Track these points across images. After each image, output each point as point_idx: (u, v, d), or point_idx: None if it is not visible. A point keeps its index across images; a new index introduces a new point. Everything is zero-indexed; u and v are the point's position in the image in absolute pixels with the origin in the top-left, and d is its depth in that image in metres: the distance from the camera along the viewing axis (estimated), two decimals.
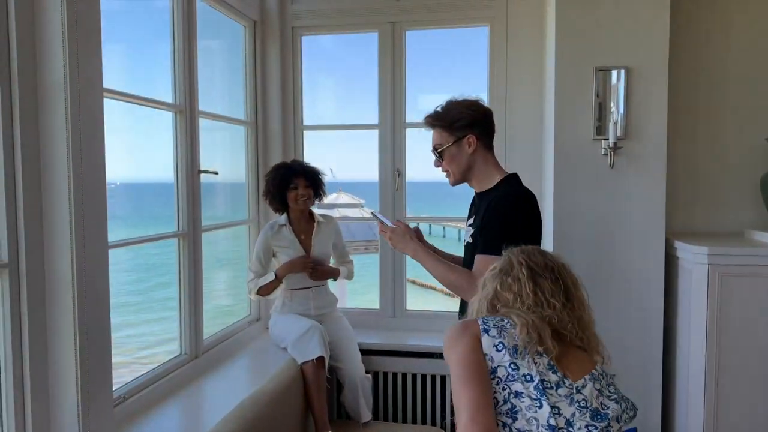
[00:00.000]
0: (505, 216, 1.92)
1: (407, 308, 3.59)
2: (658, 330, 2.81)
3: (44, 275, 1.77)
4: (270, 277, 3.02)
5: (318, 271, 3.08)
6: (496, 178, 2.05)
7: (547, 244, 2.79)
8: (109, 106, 2.03)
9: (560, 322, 1.40)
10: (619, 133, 2.75)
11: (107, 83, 1.95)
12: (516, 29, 3.29)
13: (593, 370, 1.39)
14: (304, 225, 3.14)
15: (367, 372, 3.11)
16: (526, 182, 2.10)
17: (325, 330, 2.96)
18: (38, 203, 1.76)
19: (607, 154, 2.79)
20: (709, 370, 2.55)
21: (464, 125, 2.02)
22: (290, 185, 3.04)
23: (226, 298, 3.87)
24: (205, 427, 2.12)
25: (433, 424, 3.27)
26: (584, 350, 1.43)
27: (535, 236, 1.96)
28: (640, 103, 2.78)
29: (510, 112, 3.30)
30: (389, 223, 2.14)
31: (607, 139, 2.75)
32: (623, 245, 2.82)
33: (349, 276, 3.31)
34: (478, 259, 1.91)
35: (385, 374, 3.30)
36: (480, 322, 1.40)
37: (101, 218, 1.87)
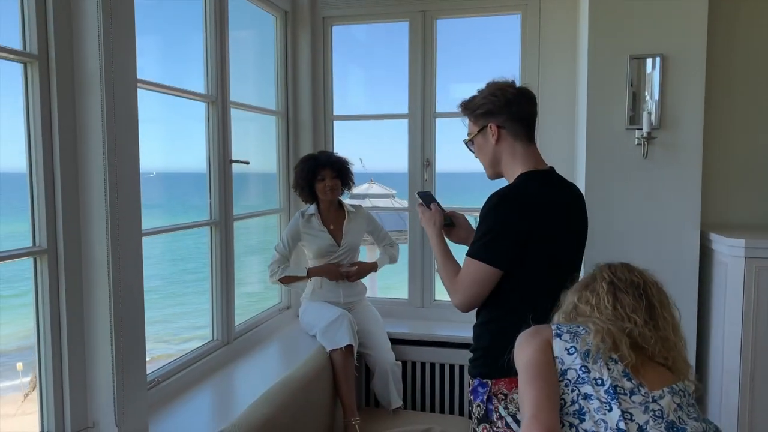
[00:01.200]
0: (485, 219, 1.78)
1: (436, 299, 3.59)
2: (692, 325, 2.75)
3: (81, 260, 1.84)
4: (301, 272, 3.08)
5: (355, 275, 3.14)
6: (517, 173, 1.84)
7: None
8: (144, 96, 2.08)
9: (641, 336, 1.35)
10: (653, 123, 2.70)
11: (141, 74, 1.99)
12: (548, 17, 3.24)
13: (674, 384, 1.31)
14: (333, 215, 3.17)
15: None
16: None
17: (354, 318, 2.99)
18: (75, 191, 1.82)
19: (640, 144, 2.73)
20: (744, 367, 2.49)
21: (484, 113, 1.86)
22: (318, 177, 3.08)
23: (258, 286, 3.93)
24: (236, 411, 2.16)
25: (461, 414, 3.27)
26: (668, 368, 1.36)
27: (528, 239, 1.75)
28: (675, 91, 2.72)
29: (542, 101, 3.22)
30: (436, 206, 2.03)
31: (641, 129, 2.70)
32: (656, 237, 2.77)
33: (393, 260, 3.33)
34: (464, 261, 1.83)
35: (413, 364, 3.32)
36: (554, 327, 1.38)
37: (135, 205, 1.92)
